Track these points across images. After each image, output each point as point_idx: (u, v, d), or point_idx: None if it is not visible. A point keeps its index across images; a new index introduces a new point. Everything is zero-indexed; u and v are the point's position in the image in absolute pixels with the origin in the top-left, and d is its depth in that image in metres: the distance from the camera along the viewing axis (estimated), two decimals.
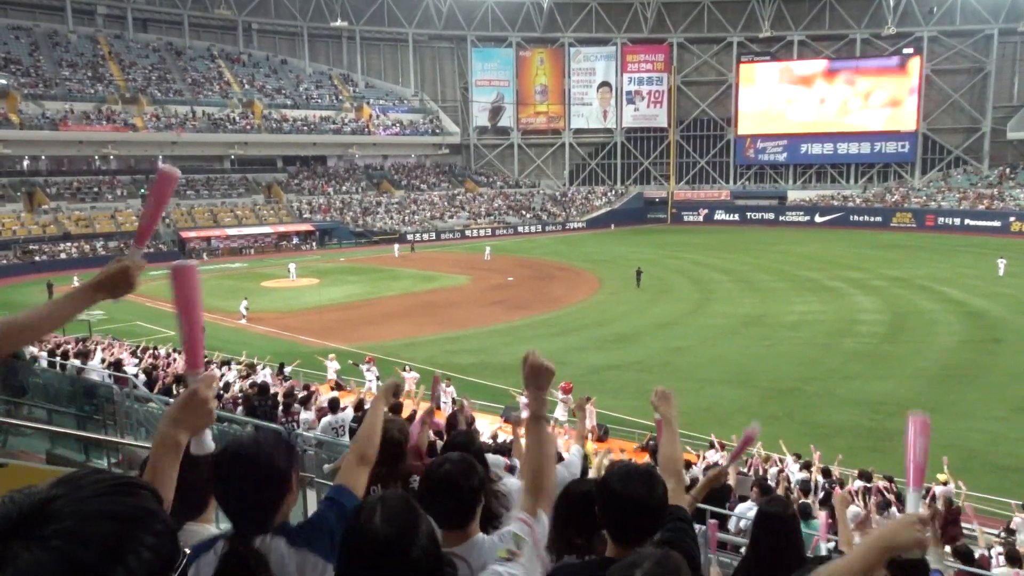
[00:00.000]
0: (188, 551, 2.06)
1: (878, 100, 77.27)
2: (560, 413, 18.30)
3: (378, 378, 21.29)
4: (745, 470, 13.42)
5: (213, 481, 2.07)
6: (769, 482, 12.41)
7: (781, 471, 13.21)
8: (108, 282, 2.08)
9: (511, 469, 4.51)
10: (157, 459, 1.86)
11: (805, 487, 11.44)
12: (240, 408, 12.60)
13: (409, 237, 64.26)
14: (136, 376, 14.21)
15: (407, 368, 21.80)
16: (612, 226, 75.53)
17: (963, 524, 11.85)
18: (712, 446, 15.53)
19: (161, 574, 1.12)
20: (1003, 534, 11.14)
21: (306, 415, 11.71)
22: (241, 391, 14.22)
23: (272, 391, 13.06)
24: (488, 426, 17.20)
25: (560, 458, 4.62)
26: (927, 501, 11.91)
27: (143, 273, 2.11)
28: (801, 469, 13.79)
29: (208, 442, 1.99)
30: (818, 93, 78.94)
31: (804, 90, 79.40)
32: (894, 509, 11.35)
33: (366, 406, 14.52)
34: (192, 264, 2.01)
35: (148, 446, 7.24)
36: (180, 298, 1.94)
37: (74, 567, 1.02)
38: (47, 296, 38.52)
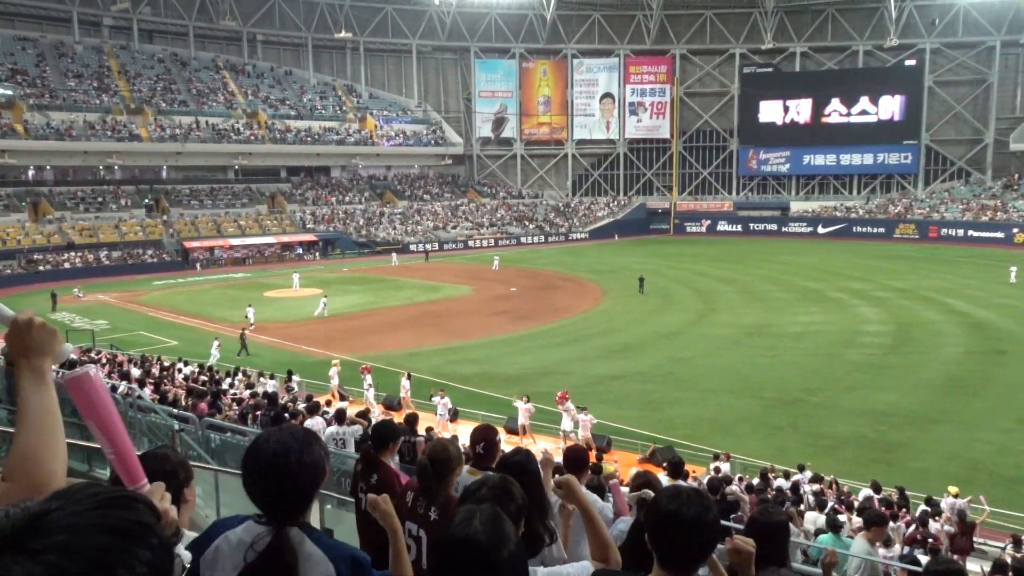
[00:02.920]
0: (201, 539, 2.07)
1: (879, 111, 77.29)
2: (566, 424, 18.21)
3: (372, 386, 21.24)
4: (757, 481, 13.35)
5: (249, 476, 2.07)
6: (784, 492, 12.37)
7: (796, 484, 13.14)
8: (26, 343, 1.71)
9: None
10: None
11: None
12: (246, 417, 12.60)
13: (413, 247, 64.37)
14: (141, 385, 14.22)
15: (408, 376, 21.77)
16: (616, 236, 75.57)
17: (975, 539, 11.78)
18: (717, 457, 15.49)
19: None
20: (1010, 547, 11.04)
21: (311, 421, 11.63)
22: (244, 401, 14.22)
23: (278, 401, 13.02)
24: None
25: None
26: (946, 515, 11.91)
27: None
28: (811, 481, 13.74)
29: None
30: (821, 104, 79.02)
31: (807, 101, 79.51)
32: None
33: (370, 415, 14.50)
34: (85, 370, 1.71)
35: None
36: (87, 409, 1.66)
37: None
38: (51, 306, 38.54)
